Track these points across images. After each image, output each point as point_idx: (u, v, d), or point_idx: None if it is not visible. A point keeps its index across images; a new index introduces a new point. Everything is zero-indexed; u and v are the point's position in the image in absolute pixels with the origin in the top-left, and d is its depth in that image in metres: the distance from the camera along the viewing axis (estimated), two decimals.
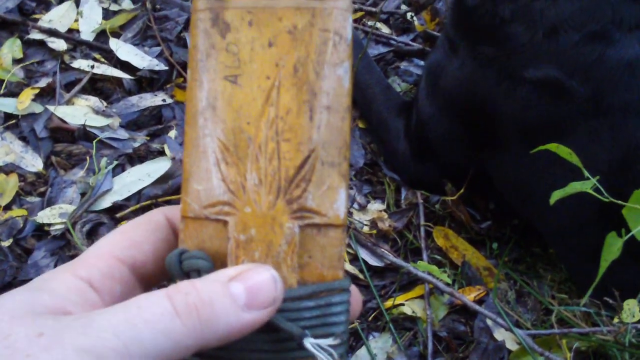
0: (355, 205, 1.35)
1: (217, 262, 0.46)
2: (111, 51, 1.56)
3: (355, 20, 1.75)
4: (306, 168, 0.46)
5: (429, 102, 1.31)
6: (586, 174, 0.63)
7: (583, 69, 1.06)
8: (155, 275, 0.48)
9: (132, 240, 0.48)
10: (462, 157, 1.30)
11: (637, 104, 1.06)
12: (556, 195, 0.66)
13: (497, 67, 1.15)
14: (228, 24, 0.47)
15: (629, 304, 1.01)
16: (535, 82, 1.10)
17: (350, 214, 1.32)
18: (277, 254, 0.45)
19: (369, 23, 1.74)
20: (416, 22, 1.75)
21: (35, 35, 1.57)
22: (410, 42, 1.70)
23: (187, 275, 0.45)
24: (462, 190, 1.31)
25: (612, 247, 0.62)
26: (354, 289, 0.48)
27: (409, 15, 1.76)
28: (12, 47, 1.53)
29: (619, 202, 0.63)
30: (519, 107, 1.13)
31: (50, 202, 1.29)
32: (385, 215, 1.33)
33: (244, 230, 0.46)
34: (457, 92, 1.24)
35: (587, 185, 0.63)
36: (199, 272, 0.44)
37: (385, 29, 1.75)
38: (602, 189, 0.63)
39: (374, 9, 1.77)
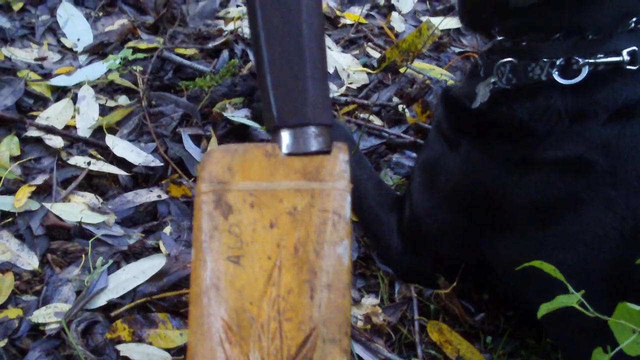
0: None
1: None
2: (107, 147, 1.58)
3: (347, 113, 1.79)
4: (307, 346, 0.47)
5: (427, 197, 1.32)
6: (570, 289, 0.64)
7: (605, 143, 1.08)
8: None
9: None
10: (458, 248, 1.31)
11: None
12: (544, 309, 0.67)
13: (511, 159, 1.16)
14: (230, 206, 0.48)
15: None
16: (556, 162, 1.12)
17: None
18: None
19: (362, 116, 1.77)
20: (408, 114, 1.78)
21: (32, 132, 1.60)
22: (402, 134, 1.73)
23: None
24: (454, 284, 1.31)
25: None
26: None
27: (400, 107, 1.79)
28: (10, 145, 1.55)
29: (604, 317, 0.64)
30: (533, 189, 1.14)
31: (45, 301, 1.29)
32: (379, 310, 1.34)
33: None
34: (460, 185, 1.25)
35: (572, 299, 0.64)
36: None
37: (377, 121, 1.79)
38: (587, 304, 0.64)
39: (366, 102, 1.81)
